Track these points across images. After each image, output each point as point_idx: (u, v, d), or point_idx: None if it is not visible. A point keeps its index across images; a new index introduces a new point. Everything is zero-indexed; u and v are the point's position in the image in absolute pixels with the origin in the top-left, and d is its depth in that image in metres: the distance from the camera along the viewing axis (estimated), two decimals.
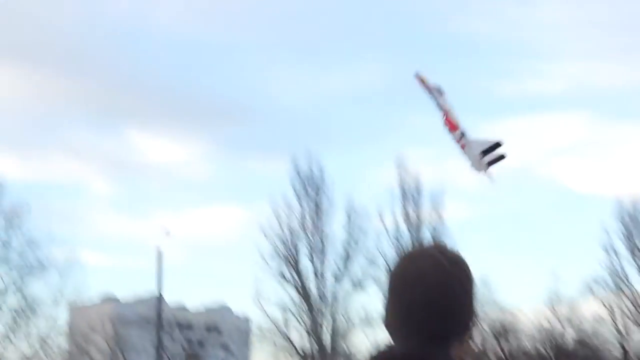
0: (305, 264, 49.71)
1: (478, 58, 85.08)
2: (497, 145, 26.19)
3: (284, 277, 49.49)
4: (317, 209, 50.05)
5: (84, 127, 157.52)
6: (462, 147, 26.46)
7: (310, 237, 49.80)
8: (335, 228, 50.37)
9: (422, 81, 28.60)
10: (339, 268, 49.74)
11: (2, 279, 47.90)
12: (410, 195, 49.84)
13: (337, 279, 49.79)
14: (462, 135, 26.67)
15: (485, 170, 26.42)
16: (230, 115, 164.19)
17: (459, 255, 2.45)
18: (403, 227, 49.61)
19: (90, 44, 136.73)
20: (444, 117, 27.56)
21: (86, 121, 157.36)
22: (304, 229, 49.78)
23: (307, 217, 49.96)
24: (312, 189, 50.38)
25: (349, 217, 50.21)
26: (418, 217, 49.72)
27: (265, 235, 49.68)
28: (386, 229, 49.75)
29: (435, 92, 28.69)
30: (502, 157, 26.26)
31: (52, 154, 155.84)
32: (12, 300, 48.46)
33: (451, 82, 72.93)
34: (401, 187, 50.17)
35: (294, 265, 49.48)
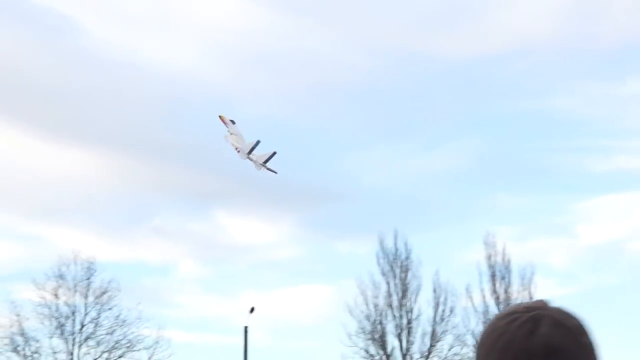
0: (391, 341, 49.57)
1: (568, 135, 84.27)
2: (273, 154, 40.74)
3: (370, 355, 49.39)
4: (404, 287, 50.13)
5: (172, 209, 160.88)
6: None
7: (397, 315, 49.79)
8: (422, 306, 50.26)
9: (222, 119, 41.63)
10: (426, 346, 49.45)
11: (92, 356, 48.82)
12: (499, 273, 49.66)
13: (425, 357, 49.45)
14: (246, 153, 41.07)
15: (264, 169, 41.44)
16: (317, 197, 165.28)
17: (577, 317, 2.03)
18: (492, 305, 49.15)
19: (175, 131, 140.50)
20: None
21: (175, 204, 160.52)
22: (391, 307, 49.84)
23: (394, 295, 50.12)
24: (398, 268, 50.58)
25: (436, 295, 50.13)
26: (507, 294, 49.16)
27: (352, 314, 49.95)
28: (474, 307, 49.56)
29: (229, 124, 41.82)
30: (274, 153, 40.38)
31: (141, 236, 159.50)
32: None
33: (541, 160, 72.44)
34: (490, 265, 50.10)
35: (381, 342, 49.31)
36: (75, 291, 49.35)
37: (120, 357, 49.16)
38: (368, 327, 49.48)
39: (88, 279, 49.64)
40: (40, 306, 48.77)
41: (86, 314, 49.20)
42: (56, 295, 48.95)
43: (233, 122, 42.84)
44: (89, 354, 48.98)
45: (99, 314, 49.39)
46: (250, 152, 41.63)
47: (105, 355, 48.86)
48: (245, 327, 46.70)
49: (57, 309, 48.85)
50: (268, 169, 42.45)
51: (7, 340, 47.80)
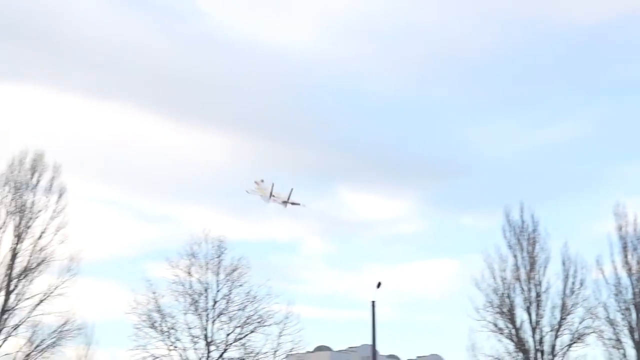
0: (520, 315, 49.19)
1: None
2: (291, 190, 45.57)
3: (499, 328, 49.11)
4: (532, 260, 49.60)
5: (299, 187, 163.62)
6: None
7: (525, 289, 49.28)
8: (551, 279, 49.65)
9: (256, 183, 48.51)
10: (556, 319, 48.78)
11: (225, 331, 50.30)
12: (631, 244, 48.60)
13: (555, 330, 48.77)
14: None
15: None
16: (441, 171, 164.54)
17: None
18: (624, 277, 48.13)
19: (302, 110, 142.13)
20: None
21: (302, 182, 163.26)
22: (519, 280, 49.45)
23: (521, 268, 49.69)
24: (526, 241, 50.05)
25: (565, 267, 49.42)
26: None
27: (479, 287, 49.79)
28: (605, 280, 48.72)
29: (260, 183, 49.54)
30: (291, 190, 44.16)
31: (268, 214, 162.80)
32: (235, 352, 50.71)
33: None
34: (621, 236, 49.12)
35: (509, 316, 48.97)
36: (207, 269, 50.87)
37: (252, 332, 50.51)
38: (496, 301, 49.28)
39: (219, 256, 51.07)
40: (175, 284, 50.58)
41: (218, 291, 50.68)
42: (189, 273, 50.61)
43: (262, 180, 51.52)
44: (222, 329, 50.47)
45: (230, 290, 50.80)
46: (287, 200, 49.84)
47: (238, 330, 50.26)
48: (373, 302, 47.02)
49: (191, 286, 50.51)
50: (293, 203, 49.97)
51: (145, 317, 49.82)
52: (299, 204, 49.15)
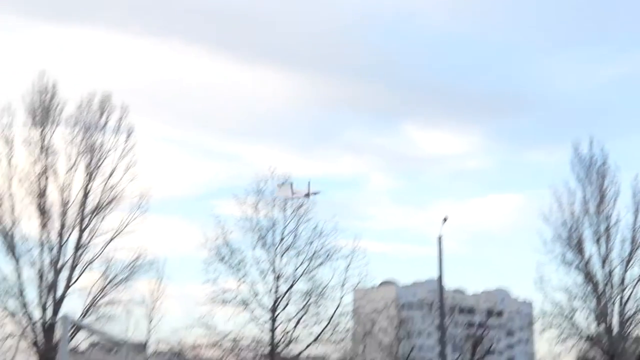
0: (589, 248, 48.86)
1: None
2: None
3: (567, 261, 48.90)
4: (601, 194, 49.04)
5: (363, 124, 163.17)
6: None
7: (594, 222, 48.89)
8: (621, 212, 49.25)
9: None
10: (626, 252, 48.39)
11: (293, 265, 50.97)
12: None
13: (625, 262, 48.43)
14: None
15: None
16: (509, 107, 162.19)
17: None
18: None
19: (365, 48, 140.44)
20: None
21: (365, 119, 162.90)
22: (588, 214, 49.11)
23: (590, 201, 49.29)
24: (595, 174, 49.45)
25: (635, 200, 48.93)
26: None
27: (547, 221, 49.50)
28: None
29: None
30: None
31: (333, 151, 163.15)
32: (302, 285, 51.45)
33: None
34: None
35: (578, 249, 48.67)
36: (274, 205, 51.40)
37: (319, 266, 51.12)
38: (564, 234, 48.99)
39: None
40: (242, 220, 51.32)
41: (285, 226, 51.23)
42: (256, 209, 51.24)
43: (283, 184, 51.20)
44: (289, 263, 51.22)
45: (297, 225, 51.34)
46: (308, 192, 49.90)
47: (305, 264, 50.93)
48: (439, 237, 47.10)
49: (258, 222, 51.19)
50: (314, 193, 50.54)
51: (214, 252, 50.73)
52: (318, 192, 50.99)
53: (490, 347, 63.46)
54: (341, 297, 51.39)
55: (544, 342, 55.61)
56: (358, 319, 56.85)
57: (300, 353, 52.91)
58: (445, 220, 47.61)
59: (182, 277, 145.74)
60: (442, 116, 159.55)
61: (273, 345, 50.14)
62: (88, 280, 49.62)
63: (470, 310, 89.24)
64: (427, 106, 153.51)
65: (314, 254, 50.89)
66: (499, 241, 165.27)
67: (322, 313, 51.30)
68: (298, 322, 50.75)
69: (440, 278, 47.41)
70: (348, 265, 50.71)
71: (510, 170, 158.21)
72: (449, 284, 75.81)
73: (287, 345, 51.18)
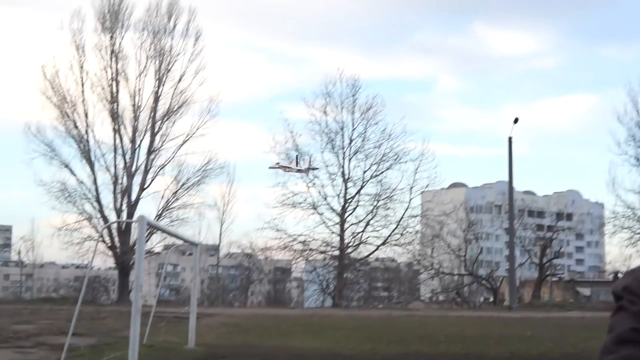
0: None
1: None
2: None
3: None
4: None
5: (432, 25, 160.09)
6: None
7: None
8: None
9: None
10: None
11: (362, 169, 51.15)
12: None
13: None
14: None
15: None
16: (582, 2, 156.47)
17: None
18: None
19: None
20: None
21: (434, 19, 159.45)
22: None
23: None
24: None
25: None
26: None
27: (620, 122, 48.19)
28: None
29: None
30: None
31: (403, 53, 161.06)
32: (371, 188, 51.73)
33: None
34: None
35: None
36: (342, 108, 51.32)
37: (388, 169, 51.20)
38: (639, 135, 47.80)
39: (353, 95, 51.34)
40: (311, 123, 51.44)
41: (354, 129, 51.27)
42: (325, 113, 51.25)
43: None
44: (358, 166, 51.45)
45: (365, 128, 51.33)
46: (309, 166, 50.46)
47: (374, 167, 51.09)
48: (510, 138, 46.60)
49: (327, 125, 51.27)
50: (312, 168, 50.47)
51: (283, 155, 51.14)
52: (317, 168, 51.02)
53: (560, 249, 63.12)
54: (410, 200, 51.63)
55: (614, 244, 55.36)
56: (426, 221, 57.00)
57: (368, 255, 53.63)
58: (516, 121, 47.00)
59: (251, 180, 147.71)
60: (513, 13, 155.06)
61: (342, 247, 50.83)
62: (161, 185, 50.69)
63: (540, 213, 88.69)
64: (498, 3, 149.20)
65: (382, 157, 50.98)
66: (571, 143, 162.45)
67: (390, 216, 51.72)
68: (367, 225, 51.27)
69: (510, 180, 47.15)
70: (417, 168, 50.71)
71: (583, 69, 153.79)
72: (519, 186, 75.27)
73: (356, 247, 51.87)
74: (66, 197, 47.82)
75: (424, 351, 17.40)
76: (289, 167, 50.20)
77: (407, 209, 51.51)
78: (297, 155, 50.30)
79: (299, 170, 50.16)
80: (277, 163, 50.34)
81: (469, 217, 64.64)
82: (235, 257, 71.74)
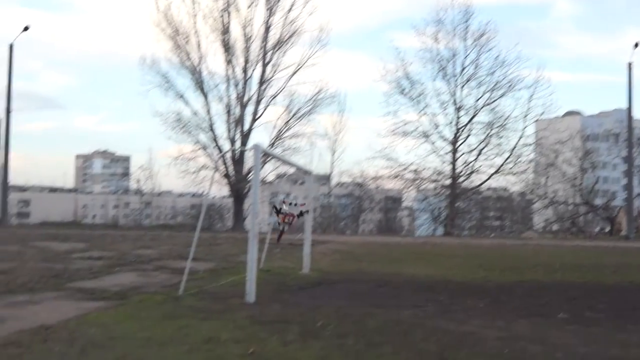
0: None
1: None
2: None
3: None
4: None
5: None
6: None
7: None
8: None
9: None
10: None
11: (474, 97, 50.34)
12: None
13: None
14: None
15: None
16: None
17: None
18: None
19: None
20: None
21: None
22: None
23: None
24: None
25: None
26: None
27: None
28: None
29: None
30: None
31: None
32: (484, 116, 50.94)
33: None
34: None
35: None
36: (454, 35, 50.40)
37: (501, 96, 50.23)
38: None
39: (466, 22, 50.32)
40: (422, 51, 50.79)
41: (466, 57, 50.37)
42: (436, 40, 50.48)
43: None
44: (470, 94, 50.66)
45: (478, 55, 50.33)
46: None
47: (487, 95, 50.19)
48: (629, 64, 44.97)
49: (438, 53, 50.53)
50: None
51: (394, 84, 50.81)
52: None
53: None
54: (524, 128, 50.68)
55: None
56: (541, 150, 55.96)
57: (481, 184, 53.10)
58: (636, 46, 45.22)
59: (362, 110, 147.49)
60: None
61: (454, 176, 50.46)
62: (272, 114, 51.30)
63: None
64: None
65: (495, 85, 50.03)
66: None
67: (503, 144, 50.93)
68: (479, 154, 50.67)
69: (629, 107, 45.58)
70: (531, 96, 49.62)
71: None
72: (638, 114, 72.83)
73: (468, 176, 51.40)
74: (181, 128, 49.02)
75: (539, 279, 17.23)
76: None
77: (520, 137, 50.62)
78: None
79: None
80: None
81: (585, 145, 63.09)
82: (346, 186, 72.27)
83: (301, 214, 15.94)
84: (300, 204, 16.15)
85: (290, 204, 15.74)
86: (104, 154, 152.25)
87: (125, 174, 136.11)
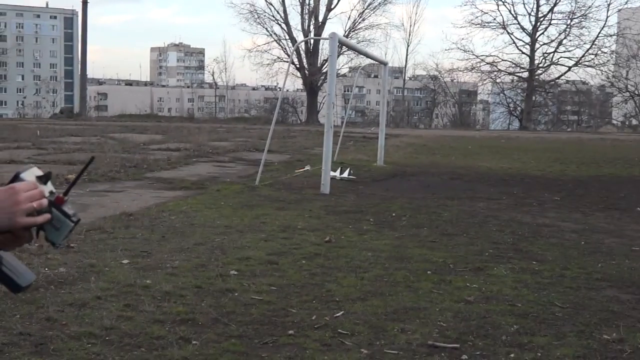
0: None
1: None
2: None
3: None
4: None
5: None
6: None
7: None
8: None
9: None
10: None
11: None
12: None
13: None
14: None
15: None
16: None
17: None
18: None
19: None
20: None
21: None
22: None
23: None
24: None
25: None
26: None
27: None
28: None
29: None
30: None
31: None
32: (564, 6, 49.45)
33: None
34: None
35: None
36: None
37: None
38: None
39: None
40: None
41: None
42: None
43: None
44: None
45: None
46: None
47: None
48: None
49: None
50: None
51: None
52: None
53: None
54: (606, 18, 49.45)
55: None
56: (623, 41, 54.18)
57: (559, 76, 51.96)
58: None
59: (439, 0, 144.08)
60: None
61: (532, 68, 49.43)
62: (347, 5, 50.81)
63: None
64: None
65: None
66: None
67: (584, 35, 49.60)
68: (559, 45, 49.43)
69: None
70: None
71: None
72: None
73: (547, 68, 50.32)
74: (255, 19, 48.86)
75: (617, 173, 16.97)
76: None
77: (602, 27, 49.30)
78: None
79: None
80: None
81: None
82: (420, 80, 71.47)
83: None
84: None
85: None
86: (178, 46, 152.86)
87: (200, 67, 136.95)
